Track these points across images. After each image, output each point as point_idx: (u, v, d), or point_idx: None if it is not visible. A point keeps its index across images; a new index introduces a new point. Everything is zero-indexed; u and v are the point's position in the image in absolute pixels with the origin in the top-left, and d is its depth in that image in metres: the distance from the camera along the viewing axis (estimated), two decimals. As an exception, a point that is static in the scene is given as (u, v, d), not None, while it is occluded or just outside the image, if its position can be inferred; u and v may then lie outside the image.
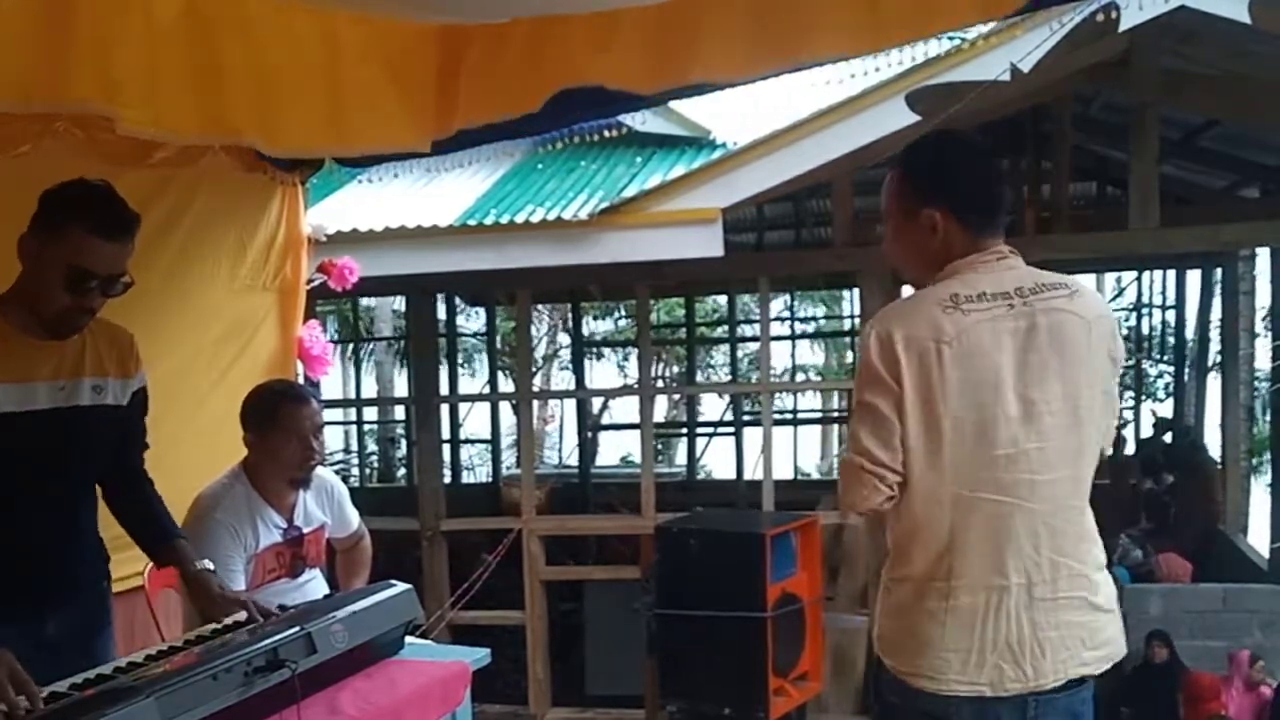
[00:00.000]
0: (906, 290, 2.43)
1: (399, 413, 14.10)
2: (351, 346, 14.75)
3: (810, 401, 18.26)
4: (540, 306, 14.92)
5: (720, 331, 15.23)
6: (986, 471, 1.89)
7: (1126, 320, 14.12)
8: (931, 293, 1.95)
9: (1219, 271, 10.20)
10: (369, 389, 15.64)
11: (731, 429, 12.57)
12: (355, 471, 13.61)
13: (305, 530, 2.82)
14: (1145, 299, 13.45)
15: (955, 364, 1.87)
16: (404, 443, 14.01)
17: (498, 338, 13.88)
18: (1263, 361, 9.99)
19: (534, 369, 15.17)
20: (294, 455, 2.69)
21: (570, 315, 13.42)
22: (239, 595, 2.34)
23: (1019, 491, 1.89)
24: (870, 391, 1.91)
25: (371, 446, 15.00)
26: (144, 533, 2.42)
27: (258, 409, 2.72)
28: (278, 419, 2.68)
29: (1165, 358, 12.84)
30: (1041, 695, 1.91)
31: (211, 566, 2.37)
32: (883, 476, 1.91)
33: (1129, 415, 13.83)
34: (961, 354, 1.87)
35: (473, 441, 14.45)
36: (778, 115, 6.06)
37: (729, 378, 15.03)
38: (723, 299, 14.17)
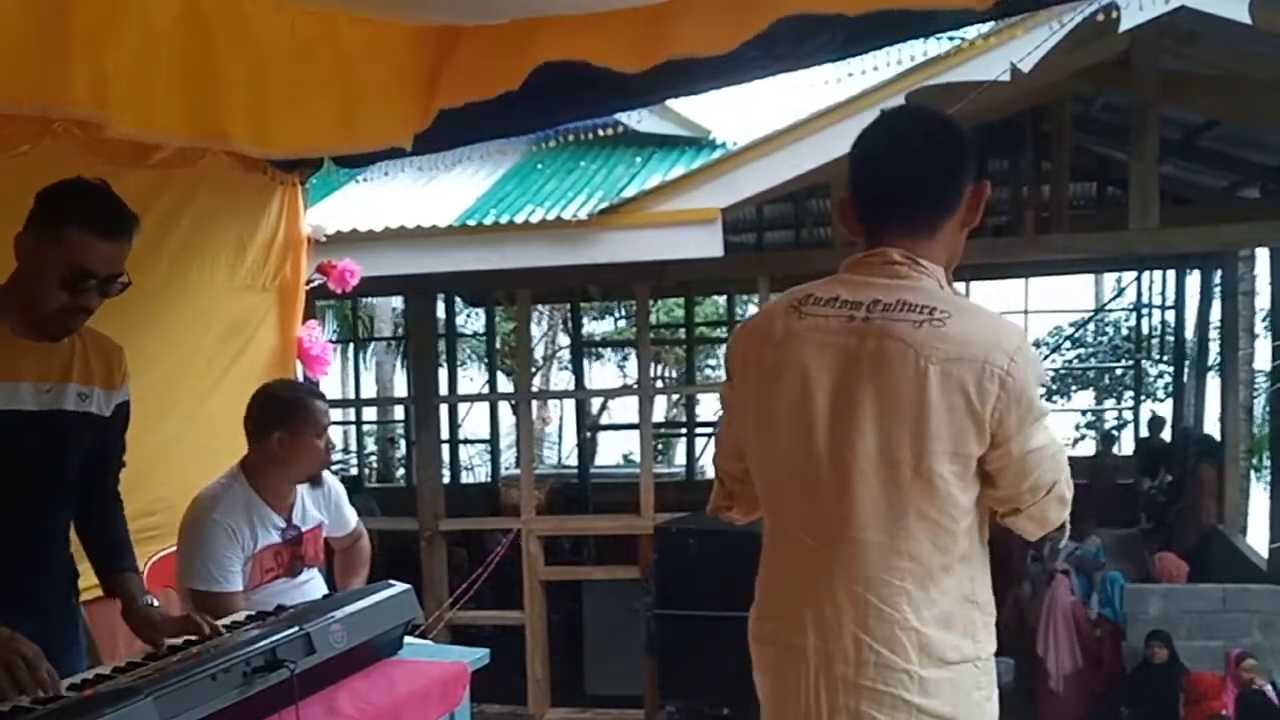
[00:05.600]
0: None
1: (398, 413, 14.10)
2: (351, 346, 14.74)
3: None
4: (540, 306, 14.92)
5: (720, 332, 15.23)
6: (791, 501, 1.64)
7: (1126, 320, 14.11)
8: (800, 289, 1.67)
9: (1219, 272, 10.20)
10: (368, 389, 15.64)
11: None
12: (354, 471, 13.61)
13: (303, 529, 2.81)
14: (1145, 299, 13.47)
15: (774, 375, 1.62)
16: (403, 443, 14.01)
17: (497, 338, 13.88)
18: (1262, 361, 9.98)
19: (533, 369, 15.17)
20: (321, 451, 2.71)
21: (570, 315, 13.41)
22: (183, 616, 2.25)
23: (816, 536, 1.60)
24: (724, 385, 1.80)
25: (371, 446, 15.00)
26: (100, 559, 2.33)
27: (288, 407, 2.70)
28: (309, 416, 2.69)
29: (1165, 358, 12.85)
30: None
31: (156, 603, 2.28)
32: (720, 474, 1.82)
33: (1128, 415, 13.79)
34: (780, 364, 1.61)
35: (472, 441, 14.46)
36: (778, 115, 6.06)
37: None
38: (722, 299, 14.16)
